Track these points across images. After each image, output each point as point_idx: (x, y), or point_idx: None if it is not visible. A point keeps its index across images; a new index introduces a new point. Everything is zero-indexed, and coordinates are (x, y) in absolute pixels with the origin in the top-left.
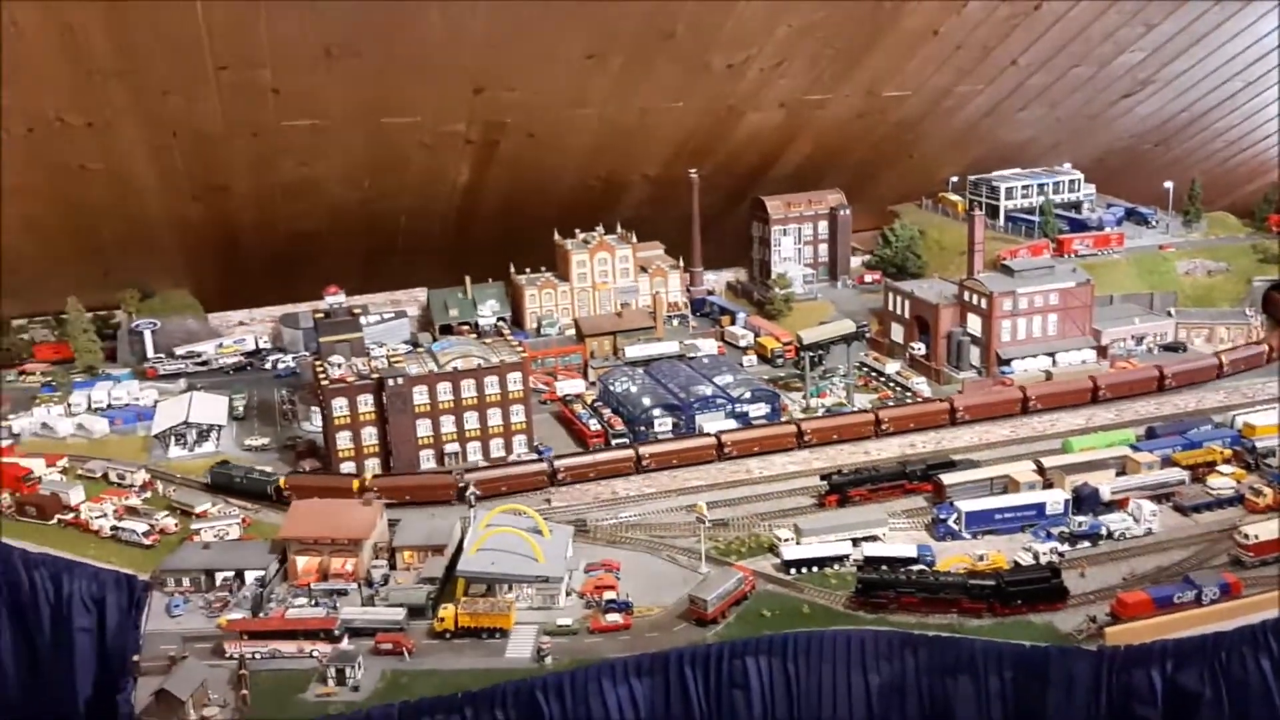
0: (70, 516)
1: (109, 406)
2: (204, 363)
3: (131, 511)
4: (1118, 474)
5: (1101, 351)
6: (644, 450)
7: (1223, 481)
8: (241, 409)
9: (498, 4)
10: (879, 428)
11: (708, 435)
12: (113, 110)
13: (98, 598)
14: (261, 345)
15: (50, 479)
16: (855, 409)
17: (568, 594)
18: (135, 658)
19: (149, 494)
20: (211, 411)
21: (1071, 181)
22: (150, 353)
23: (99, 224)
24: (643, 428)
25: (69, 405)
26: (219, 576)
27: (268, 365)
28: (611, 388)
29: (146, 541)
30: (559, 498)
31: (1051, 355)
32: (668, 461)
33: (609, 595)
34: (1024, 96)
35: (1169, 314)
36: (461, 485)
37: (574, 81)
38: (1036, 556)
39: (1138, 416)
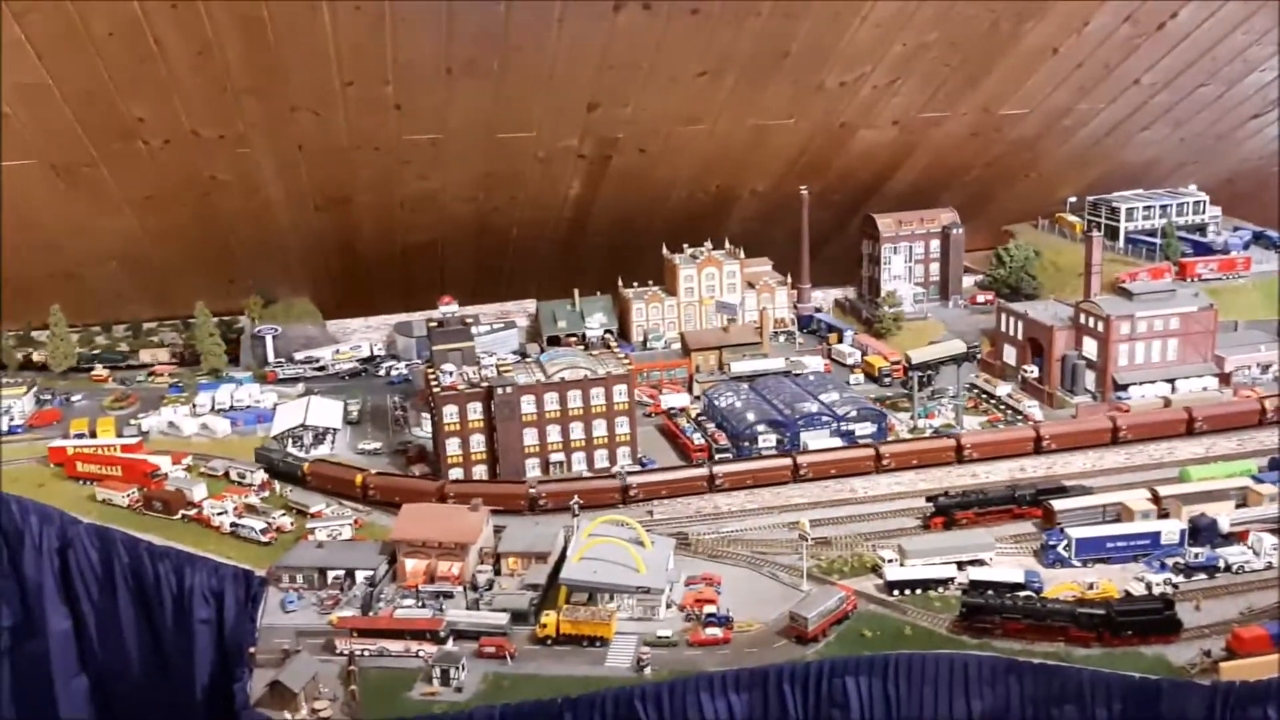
0: (193, 512)
1: (231, 408)
2: (321, 368)
3: (250, 509)
4: (1238, 505)
5: (1224, 379)
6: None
7: None
8: (356, 414)
9: (614, 24)
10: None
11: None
12: (244, 124)
13: (217, 591)
14: (376, 352)
15: (176, 476)
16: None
17: (668, 606)
18: (251, 650)
19: (267, 493)
20: (327, 415)
21: (1196, 203)
22: (271, 357)
23: (227, 232)
24: (746, 443)
25: (194, 406)
26: (331, 575)
27: (382, 372)
28: (716, 402)
29: (264, 539)
30: (662, 510)
31: (1171, 381)
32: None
33: (709, 609)
34: (1147, 116)
35: None
36: (446, 494)
37: (687, 98)
38: (1149, 587)
39: (1262, 447)
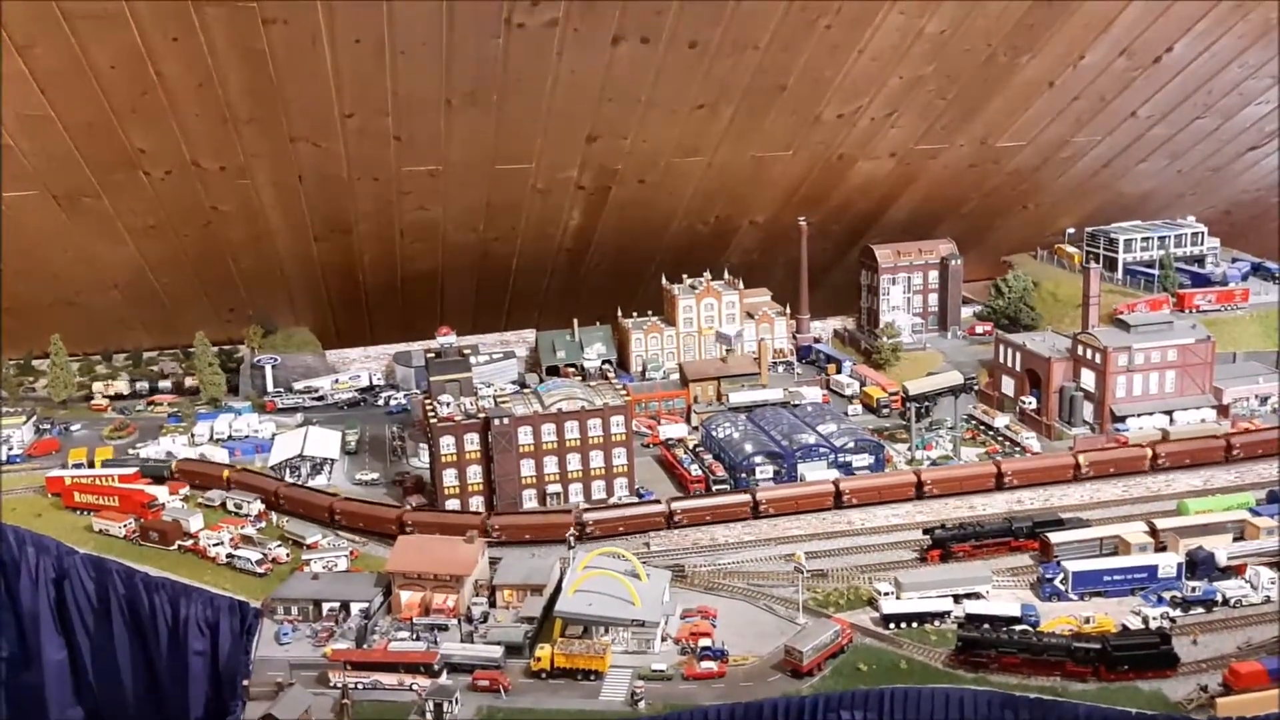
0: (189, 543)
1: (229, 437)
2: (320, 398)
3: (247, 540)
4: (1235, 539)
5: (1223, 410)
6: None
7: None
8: (354, 443)
9: (613, 57)
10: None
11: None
12: (245, 154)
13: (212, 622)
14: (375, 382)
15: (172, 506)
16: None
17: (663, 639)
18: (245, 682)
19: (264, 524)
20: (326, 445)
21: (1194, 234)
22: (270, 387)
23: (228, 262)
24: (744, 474)
25: (192, 435)
26: (326, 607)
27: (380, 402)
28: (714, 433)
29: (259, 570)
30: (658, 542)
31: (1169, 413)
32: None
33: (704, 642)
34: (1145, 148)
35: None
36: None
37: (686, 130)
38: (1146, 621)
39: (1260, 480)
